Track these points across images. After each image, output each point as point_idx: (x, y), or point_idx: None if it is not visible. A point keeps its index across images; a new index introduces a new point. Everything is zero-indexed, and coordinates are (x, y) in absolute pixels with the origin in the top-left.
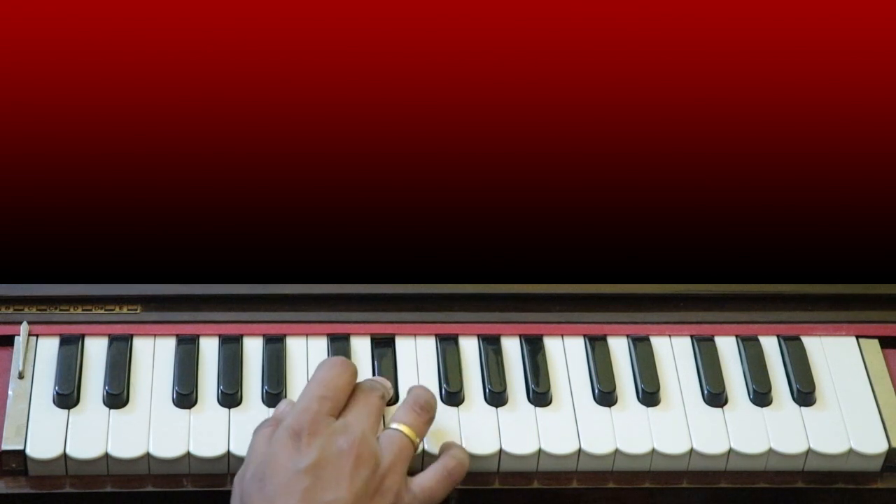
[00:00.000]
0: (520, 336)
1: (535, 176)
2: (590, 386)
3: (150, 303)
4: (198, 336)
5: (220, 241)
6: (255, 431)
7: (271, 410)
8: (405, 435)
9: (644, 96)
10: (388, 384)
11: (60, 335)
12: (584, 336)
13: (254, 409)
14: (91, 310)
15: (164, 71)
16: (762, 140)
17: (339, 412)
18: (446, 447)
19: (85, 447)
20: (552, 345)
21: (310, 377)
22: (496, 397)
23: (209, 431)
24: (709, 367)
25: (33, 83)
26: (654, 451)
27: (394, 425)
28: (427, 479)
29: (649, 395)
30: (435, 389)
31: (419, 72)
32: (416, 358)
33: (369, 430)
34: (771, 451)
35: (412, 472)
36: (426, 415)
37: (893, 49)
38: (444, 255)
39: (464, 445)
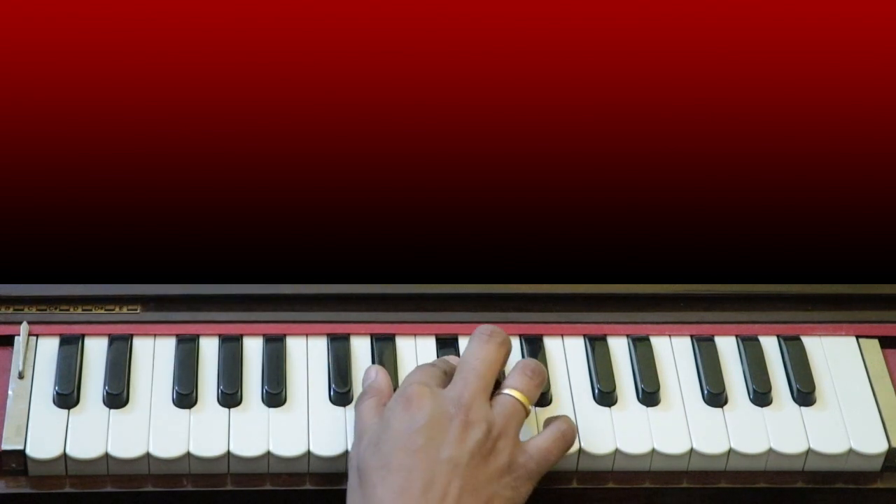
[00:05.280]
0: (520, 336)
1: (534, 176)
2: (590, 386)
3: (150, 303)
4: (198, 336)
5: (220, 241)
6: (357, 405)
7: (271, 410)
8: (517, 400)
9: (644, 96)
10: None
11: (60, 335)
12: (584, 336)
13: (254, 409)
14: (91, 310)
15: (164, 71)
16: (762, 140)
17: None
18: (553, 417)
19: (85, 447)
20: (552, 345)
21: (309, 377)
22: None
23: (209, 431)
24: (709, 367)
25: (33, 83)
26: (654, 451)
27: (506, 391)
28: (542, 441)
29: (649, 395)
30: None
31: (419, 72)
32: (417, 358)
33: (480, 394)
34: (771, 451)
35: None
36: (537, 378)
37: (893, 49)
38: (444, 255)
39: None
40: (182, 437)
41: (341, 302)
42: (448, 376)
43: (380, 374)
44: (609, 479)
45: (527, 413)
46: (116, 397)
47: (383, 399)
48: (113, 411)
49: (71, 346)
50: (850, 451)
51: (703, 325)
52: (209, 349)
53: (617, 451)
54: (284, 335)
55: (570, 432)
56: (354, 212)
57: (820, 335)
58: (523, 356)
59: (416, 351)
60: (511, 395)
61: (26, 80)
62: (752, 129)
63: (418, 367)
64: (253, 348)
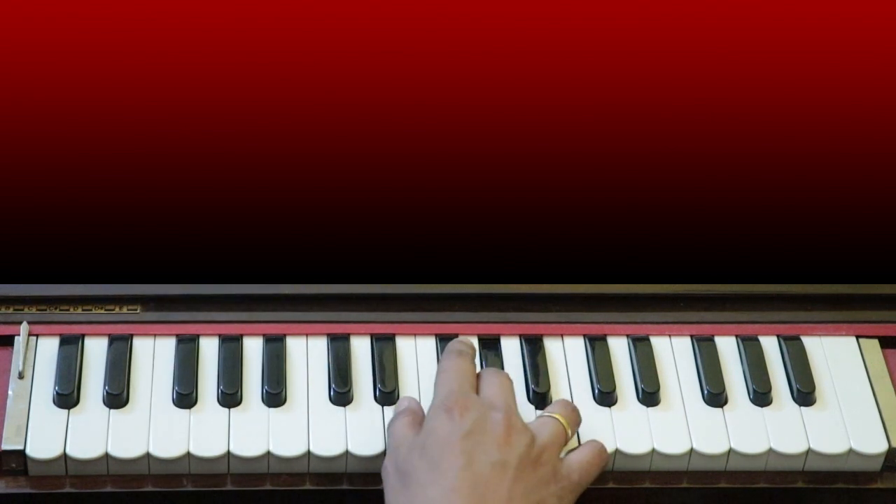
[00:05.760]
0: (520, 336)
1: (534, 176)
2: (590, 386)
3: (150, 303)
4: (198, 336)
5: (220, 241)
6: (391, 423)
7: (271, 410)
8: (561, 422)
9: (644, 96)
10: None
11: (60, 335)
12: (584, 336)
13: (254, 409)
14: (91, 310)
15: (163, 71)
16: (762, 140)
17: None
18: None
19: (85, 447)
20: (552, 345)
21: (309, 377)
22: None
23: (209, 431)
24: (709, 367)
25: (33, 83)
26: (654, 451)
27: (549, 413)
28: (582, 455)
29: (649, 395)
30: None
31: (419, 72)
32: (417, 358)
33: (512, 403)
34: (771, 451)
35: None
36: (577, 416)
37: (893, 49)
38: (444, 255)
39: None
40: (182, 437)
41: (341, 302)
42: (473, 360)
43: (412, 400)
44: (609, 479)
45: (567, 439)
46: (116, 397)
47: (417, 418)
48: (113, 411)
49: (71, 346)
50: (850, 451)
51: (703, 325)
52: (209, 349)
53: (617, 451)
54: (284, 335)
55: (606, 451)
56: (354, 212)
57: (820, 335)
58: (523, 356)
59: (416, 351)
60: (555, 418)
61: (26, 80)
62: (752, 129)
63: (450, 368)
64: (253, 348)
